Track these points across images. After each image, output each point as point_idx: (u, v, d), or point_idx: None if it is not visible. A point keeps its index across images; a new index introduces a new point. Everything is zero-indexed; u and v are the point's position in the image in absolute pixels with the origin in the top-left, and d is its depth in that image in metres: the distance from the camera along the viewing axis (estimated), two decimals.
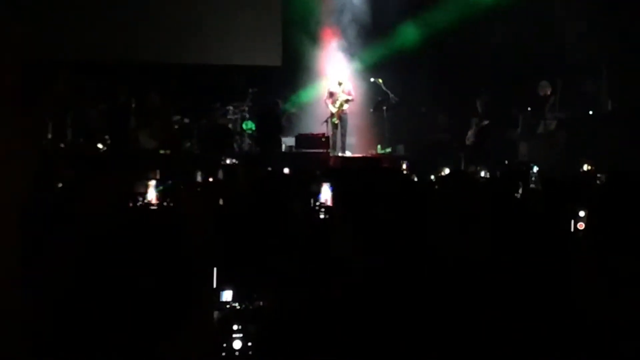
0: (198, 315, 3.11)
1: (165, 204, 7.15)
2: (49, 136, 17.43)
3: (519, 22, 18.88)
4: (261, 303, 4.12)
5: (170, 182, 7.48)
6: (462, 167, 16.80)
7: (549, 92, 18.35)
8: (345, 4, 20.82)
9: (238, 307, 4.12)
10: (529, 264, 3.86)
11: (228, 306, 4.18)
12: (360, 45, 20.69)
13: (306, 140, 18.75)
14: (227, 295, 4.25)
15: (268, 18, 20.36)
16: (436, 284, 3.42)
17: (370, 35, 20.56)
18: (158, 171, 9.60)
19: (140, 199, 7.29)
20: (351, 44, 20.66)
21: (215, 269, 4.08)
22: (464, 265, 3.69)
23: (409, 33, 20.19)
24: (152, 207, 7.01)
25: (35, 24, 18.38)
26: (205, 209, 3.12)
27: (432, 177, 11.55)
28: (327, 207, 6.54)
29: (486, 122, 19.08)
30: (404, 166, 15.96)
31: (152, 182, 7.69)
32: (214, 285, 4.16)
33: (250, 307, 4.10)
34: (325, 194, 7.06)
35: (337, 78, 19.44)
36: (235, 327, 3.99)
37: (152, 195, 7.48)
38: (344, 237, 3.26)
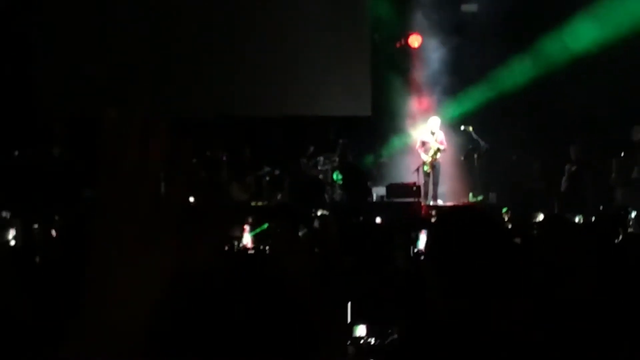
0: (330, 351, 3.06)
1: (261, 247, 7.18)
2: None
3: (611, 68, 18.64)
4: (395, 337, 4.07)
5: (266, 224, 7.51)
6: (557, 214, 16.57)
7: None
8: (435, 53, 20.85)
9: (372, 342, 4.08)
10: (632, 311, 3.75)
11: (362, 341, 4.14)
12: (450, 94, 20.66)
13: (397, 189, 18.71)
14: (360, 330, 4.21)
15: (357, 68, 20.47)
16: (537, 328, 3.34)
17: (460, 84, 20.52)
18: (251, 218, 9.68)
19: (236, 243, 7.33)
20: (441, 93, 20.64)
21: (349, 304, 4.05)
22: (566, 312, 3.60)
23: (500, 81, 20.09)
24: (249, 251, 7.04)
25: (125, 81, 18.82)
26: (303, 252, 3.08)
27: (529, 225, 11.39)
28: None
29: (580, 169, 18.83)
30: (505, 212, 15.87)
31: (247, 227, 7.73)
32: (349, 320, 4.13)
33: (385, 342, 4.05)
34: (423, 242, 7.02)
35: (429, 127, 19.39)
36: None
37: (247, 239, 7.50)
38: (439, 283, 3.20)
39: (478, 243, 3.25)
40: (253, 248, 7.28)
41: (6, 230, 11.97)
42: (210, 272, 2.82)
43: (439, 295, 3.15)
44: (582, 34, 19.27)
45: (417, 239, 7.14)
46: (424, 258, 4.36)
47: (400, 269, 5.24)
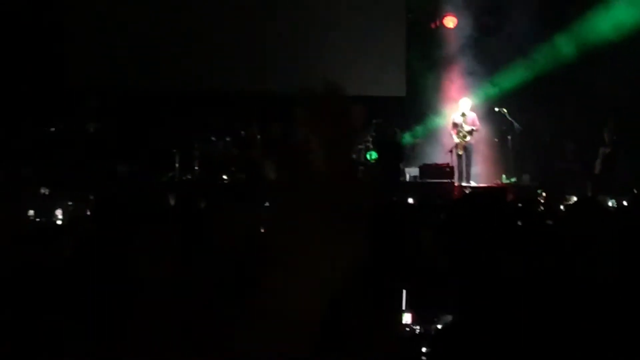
0: (383, 338, 3.12)
1: None
2: (176, 166, 17.81)
3: None
4: (439, 326, 4.11)
5: None
6: (591, 195, 16.54)
7: None
8: (469, 34, 20.79)
9: (418, 330, 4.13)
10: None
11: (408, 329, 4.19)
12: (485, 76, 20.59)
13: (430, 170, 18.71)
14: (406, 318, 4.25)
15: (392, 49, 20.44)
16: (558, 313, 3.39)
17: (495, 66, 20.44)
18: None
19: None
20: (475, 74, 20.58)
21: (404, 292, 4.08)
22: (589, 295, 3.63)
23: (535, 62, 20.01)
24: None
25: (162, 58, 18.90)
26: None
27: (562, 206, 11.40)
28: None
29: (614, 150, 18.76)
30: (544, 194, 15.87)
31: None
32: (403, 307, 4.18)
33: (431, 330, 4.10)
34: None
35: (460, 109, 19.39)
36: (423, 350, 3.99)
37: None
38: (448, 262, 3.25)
39: (491, 226, 3.30)
40: None
41: (54, 209, 12.09)
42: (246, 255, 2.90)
43: (448, 273, 3.21)
44: (620, 14, 19.14)
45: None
46: (437, 235, 4.42)
47: (426, 251, 5.27)
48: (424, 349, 4.00)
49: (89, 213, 7.89)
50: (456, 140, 19.11)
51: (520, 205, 7.50)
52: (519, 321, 3.13)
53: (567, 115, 19.97)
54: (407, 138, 20.55)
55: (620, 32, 18.84)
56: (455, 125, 19.27)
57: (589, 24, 19.41)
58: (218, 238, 2.92)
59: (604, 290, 3.71)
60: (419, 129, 20.80)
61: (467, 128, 19.12)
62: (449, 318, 4.07)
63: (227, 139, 18.54)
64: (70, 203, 12.47)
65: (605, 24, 19.22)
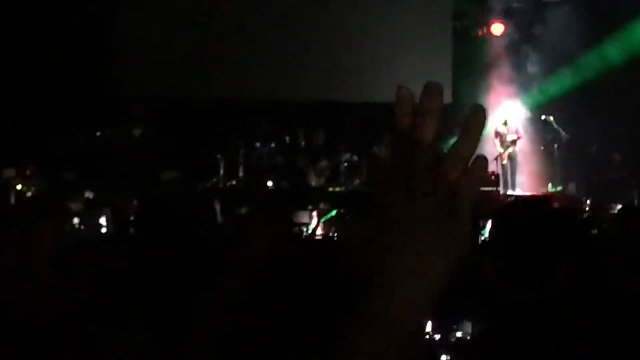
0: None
1: (330, 234, 7.15)
2: (221, 173, 17.87)
3: None
4: (459, 334, 4.06)
5: (334, 211, 7.50)
6: (637, 205, 16.40)
7: None
8: (516, 41, 20.71)
9: (437, 338, 4.09)
10: None
11: (427, 337, 4.14)
12: (531, 84, 20.49)
13: None
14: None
15: (438, 56, 20.36)
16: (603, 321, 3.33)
17: (542, 73, 20.33)
18: (325, 204, 9.63)
19: (305, 229, 7.31)
20: (521, 82, 20.48)
21: None
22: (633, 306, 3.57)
23: (581, 70, 19.86)
24: (317, 238, 7.04)
25: (207, 64, 18.98)
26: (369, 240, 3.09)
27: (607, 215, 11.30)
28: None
29: None
30: (588, 202, 15.77)
31: (315, 213, 7.72)
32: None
33: (450, 339, 4.05)
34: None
35: (502, 117, 19.34)
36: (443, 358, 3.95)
37: (317, 225, 7.49)
38: (499, 274, 3.20)
39: (540, 236, 3.25)
40: (322, 235, 7.27)
41: (98, 215, 12.10)
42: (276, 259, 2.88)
43: (499, 286, 3.16)
44: None
45: (483, 227, 7.10)
46: (486, 247, 4.37)
47: (466, 258, 5.21)
48: (443, 358, 3.95)
49: (132, 218, 7.92)
50: (499, 149, 19.07)
51: (565, 213, 7.42)
52: (555, 332, 3.08)
53: (614, 124, 19.81)
54: (449, 146, 20.44)
55: None
56: (497, 134, 19.23)
57: (636, 31, 19.25)
58: (247, 242, 2.90)
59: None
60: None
61: (510, 137, 19.06)
62: (469, 326, 4.01)
63: (272, 145, 18.57)
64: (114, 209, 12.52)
65: None
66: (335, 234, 7.03)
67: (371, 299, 1.24)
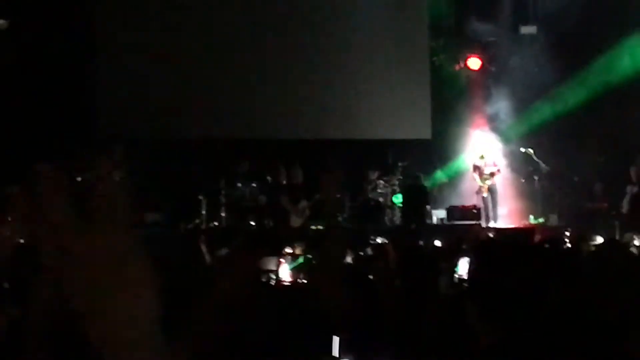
0: None
1: (298, 280, 7.15)
2: (203, 213, 17.85)
3: None
4: None
5: (301, 259, 7.50)
6: (617, 236, 16.45)
7: None
8: (494, 75, 20.86)
9: None
10: None
11: None
12: (510, 115, 20.62)
13: (457, 212, 18.71)
14: None
15: (417, 92, 20.47)
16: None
17: (520, 106, 20.46)
18: (300, 247, 9.62)
19: (273, 276, 7.30)
20: (500, 114, 20.61)
21: (336, 338, 4.03)
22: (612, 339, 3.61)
23: (559, 102, 20.00)
24: (284, 284, 7.04)
25: (187, 105, 19.02)
26: (338, 285, 3.13)
27: (587, 247, 11.33)
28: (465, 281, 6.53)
29: None
30: (567, 234, 15.82)
31: (284, 260, 7.70)
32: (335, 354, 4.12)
33: None
34: (463, 268, 7.03)
35: (479, 151, 19.49)
36: None
37: (285, 272, 7.49)
38: (472, 310, 3.22)
39: (523, 272, 3.28)
40: (290, 282, 7.27)
41: None
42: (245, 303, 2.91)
43: (478, 323, 3.18)
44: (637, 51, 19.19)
45: (456, 265, 7.14)
46: (467, 285, 4.40)
47: (444, 296, 5.26)
48: None
49: None
50: (479, 183, 19.19)
51: (547, 246, 7.47)
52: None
53: (594, 155, 19.93)
54: (433, 180, 20.55)
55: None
56: (476, 168, 19.35)
57: (612, 62, 19.43)
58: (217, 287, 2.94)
59: (626, 333, 3.68)
60: (445, 170, 20.80)
61: (488, 170, 19.18)
62: None
63: (254, 184, 18.57)
64: None
65: (628, 61, 19.25)
66: (304, 280, 7.04)
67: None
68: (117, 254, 1.37)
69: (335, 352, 4.05)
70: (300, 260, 7.76)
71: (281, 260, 7.76)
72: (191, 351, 2.82)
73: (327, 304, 3.11)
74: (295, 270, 7.52)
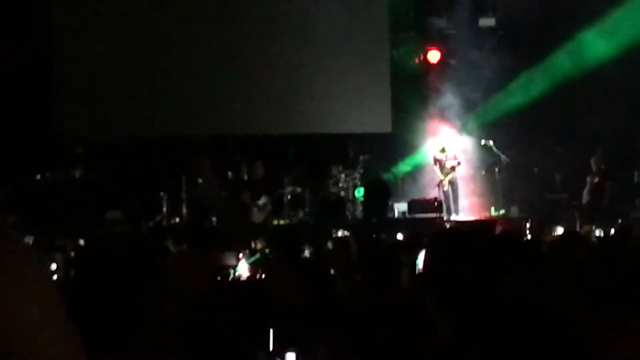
0: None
1: (257, 276, 7.11)
2: (164, 210, 17.76)
3: (630, 78, 18.59)
4: None
5: (257, 255, 7.46)
6: (578, 226, 16.58)
7: None
8: (453, 68, 20.91)
9: None
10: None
11: None
12: (470, 108, 20.69)
13: (418, 205, 18.73)
14: (290, 358, 4.19)
15: (377, 85, 20.47)
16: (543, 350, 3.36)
17: (479, 98, 20.54)
18: (258, 243, 9.57)
19: (232, 271, 7.26)
20: (460, 108, 20.66)
21: (271, 330, 4.01)
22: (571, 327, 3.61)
23: (519, 94, 20.08)
24: (241, 280, 7.00)
25: (147, 103, 18.93)
26: (294, 280, 3.11)
27: (548, 238, 11.39)
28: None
29: (601, 180, 18.81)
30: (528, 225, 15.92)
31: (242, 255, 7.66)
32: (271, 348, 4.10)
33: None
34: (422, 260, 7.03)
35: (440, 144, 19.56)
36: None
37: (243, 267, 7.45)
38: (431, 305, 3.21)
39: (475, 263, 3.28)
40: (248, 277, 7.22)
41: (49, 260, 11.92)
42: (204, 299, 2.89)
43: (436, 314, 3.17)
44: (597, 45, 19.30)
45: (417, 258, 7.13)
46: (422, 277, 4.40)
47: (405, 289, 5.25)
48: None
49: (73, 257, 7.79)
50: (440, 176, 19.24)
51: (507, 238, 7.48)
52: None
53: (554, 146, 20.05)
54: (394, 174, 20.58)
55: (603, 60, 18.96)
56: (436, 161, 19.40)
57: (572, 54, 19.55)
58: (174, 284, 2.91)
59: (586, 323, 3.69)
60: (406, 164, 20.83)
61: (449, 163, 19.24)
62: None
63: (215, 181, 18.49)
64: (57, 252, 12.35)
65: (588, 52, 19.39)
66: (262, 275, 7.00)
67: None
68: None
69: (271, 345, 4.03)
70: (257, 256, 7.72)
71: (240, 255, 7.72)
72: (150, 347, 2.79)
73: (284, 299, 3.09)
74: (254, 265, 7.48)
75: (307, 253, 8.33)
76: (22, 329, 1.32)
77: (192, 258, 3.05)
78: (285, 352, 4.05)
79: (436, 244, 3.64)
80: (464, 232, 3.71)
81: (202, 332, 2.91)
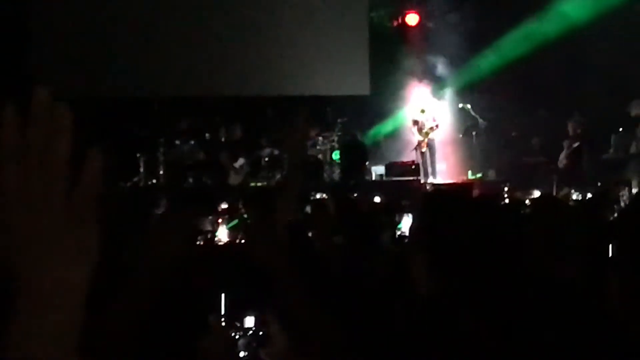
0: (210, 343, 3.10)
1: (237, 241, 7.08)
2: (141, 171, 17.69)
3: (608, 42, 18.57)
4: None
5: (236, 220, 7.43)
6: (555, 190, 16.63)
7: None
8: (432, 30, 20.88)
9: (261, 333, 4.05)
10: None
11: (250, 332, 4.12)
12: (448, 71, 20.66)
13: (396, 168, 18.76)
14: (249, 322, 4.18)
15: (355, 47, 20.41)
16: (520, 311, 3.36)
17: (457, 61, 20.50)
18: (239, 206, 9.54)
19: (210, 236, 7.22)
20: (438, 70, 20.64)
21: (223, 295, 3.98)
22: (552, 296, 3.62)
23: (497, 57, 20.05)
24: (220, 244, 6.98)
25: (124, 63, 18.77)
26: (276, 243, 3.09)
27: (527, 201, 11.43)
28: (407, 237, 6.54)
29: (578, 144, 18.87)
30: (506, 189, 15.97)
31: (221, 220, 7.62)
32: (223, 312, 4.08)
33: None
34: (406, 224, 7.03)
35: (419, 106, 19.54)
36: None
37: (222, 232, 7.42)
38: (416, 264, 3.20)
39: (463, 226, 3.27)
40: (228, 241, 7.20)
41: None
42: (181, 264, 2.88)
43: (424, 277, 3.17)
44: (577, 7, 19.27)
45: (399, 222, 7.14)
46: (410, 240, 4.39)
47: (387, 252, 5.25)
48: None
49: None
50: (418, 138, 19.24)
51: (485, 201, 7.48)
52: (472, 322, 3.11)
53: (531, 109, 20.07)
54: (371, 136, 20.58)
55: (583, 24, 18.96)
56: (415, 122, 19.39)
57: (552, 17, 19.51)
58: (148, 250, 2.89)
59: (565, 288, 3.69)
60: (384, 127, 20.82)
61: (427, 125, 19.23)
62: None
63: (192, 142, 18.44)
64: None
65: (567, 15, 19.37)
66: (242, 240, 6.96)
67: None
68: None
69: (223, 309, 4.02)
70: (235, 222, 7.68)
71: (219, 220, 7.69)
72: (127, 313, 2.78)
73: (264, 263, 3.07)
74: (233, 230, 7.46)
75: None
76: None
77: (172, 220, 3.02)
78: (244, 316, 4.05)
79: (426, 204, 3.62)
80: (451, 194, 3.71)
81: (183, 298, 2.91)
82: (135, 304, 2.75)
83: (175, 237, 2.85)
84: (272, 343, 3.48)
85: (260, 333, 3.99)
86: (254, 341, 3.96)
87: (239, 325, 4.06)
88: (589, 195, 12.93)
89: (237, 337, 4.00)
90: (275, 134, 19.10)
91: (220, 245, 6.93)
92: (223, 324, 3.91)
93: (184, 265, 2.94)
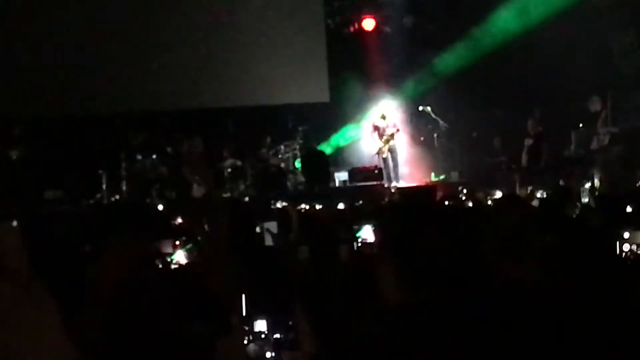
0: (227, 347, 3.07)
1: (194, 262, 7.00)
2: (103, 188, 17.57)
3: (566, 38, 18.68)
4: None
5: (191, 244, 7.35)
6: (518, 189, 16.69)
7: (599, 107, 18.12)
8: (388, 35, 20.95)
9: (274, 337, 4.05)
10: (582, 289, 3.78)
11: (263, 336, 4.11)
12: (406, 75, 20.70)
13: (359, 173, 18.77)
14: (260, 325, 4.17)
15: (313, 55, 20.45)
16: (489, 313, 3.37)
17: (416, 65, 20.55)
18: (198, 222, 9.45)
19: (169, 259, 7.14)
20: (397, 75, 20.68)
21: (243, 297, 3.97)
22: (517, 294, 3.63)
23: (455, 59, 20.12)
24: (176, 267, 6.90)
25: (83, 78, 18.67)
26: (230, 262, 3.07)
27: (490, 201, 11.49)
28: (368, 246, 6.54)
29: (538, 142, 18.97)
30: (465, 191, 15.99)
31: (178, 242, 7.54)
32: (244, 314, 4.07)
33: (286, 337, 4.02)
34: (366, 233, 7.01)
35: (379, 112, 19.60)
36: (269, 356, 3.92)
37: (180, 255, 7.34)
38: (385, 274, 3.20)
39: (429, 236, 3.27)
40: (185, 264, 7.12)
41: None
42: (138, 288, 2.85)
43: (393, 287, 3.16)
44: (533, 7, 19.38)
45: (359, 230, 7.12)
46: (377, 251, 4.39)
47: (345, 263, 5.24)
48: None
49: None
50: (379, 144, 19.27)
51: (447, 203, 7.52)
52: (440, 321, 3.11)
53: (491, 110, 20.16)
54: (333, 143, 20.60)
55: (539, 22, 19.05)
56: (376, 128, 19.44)
57: (508, 16, 19.60)
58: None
59: (526, 288, 3.71)
60: (345, 133, 20.85)
61: (389, 131, 19.28)
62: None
63: (154, 156, 18.34)
64: None
65: (519, 18, 19.48)
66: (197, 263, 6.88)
67: None
68: None
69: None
70: (190, 246, 7.59)
71: (176, 242, 7.60)
72: (84, 341, 2.75)
73: (218, 284, 3.05)
74: (190, 252, 7.38)
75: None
76: None
77: (126, 244, 2.99)
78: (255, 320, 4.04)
79: (391, 214, 3.62)
80: (414, 201, 3.71)
81: (141, 325, 2.88)
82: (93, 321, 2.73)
83: (122, 262, 2.82)
84: (299, 346, 3.47)
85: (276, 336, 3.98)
86: (268, 344, 3.96)
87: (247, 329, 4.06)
88: (548, 194, 12.95)
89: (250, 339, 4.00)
90: (237, 145, 19.09)
91: (177, 268, 6.85)
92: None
93: (140, 288, 2.91)
